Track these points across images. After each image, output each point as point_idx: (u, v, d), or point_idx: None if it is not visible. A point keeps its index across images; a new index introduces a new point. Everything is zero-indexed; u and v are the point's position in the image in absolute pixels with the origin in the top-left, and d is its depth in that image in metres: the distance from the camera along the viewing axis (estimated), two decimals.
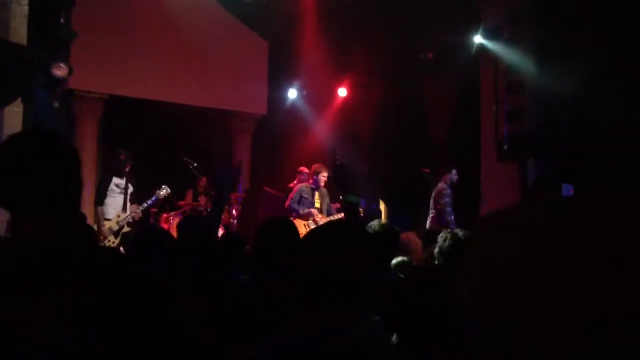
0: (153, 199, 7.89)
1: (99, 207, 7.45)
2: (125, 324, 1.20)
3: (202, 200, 9.96)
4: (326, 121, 12.21)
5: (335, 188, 7.89)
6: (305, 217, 7.97)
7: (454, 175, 8.59)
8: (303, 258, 1.71)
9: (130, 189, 7.71)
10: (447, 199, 8.43)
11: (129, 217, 7.48)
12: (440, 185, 8.56)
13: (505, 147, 8.71)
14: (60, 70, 6.74)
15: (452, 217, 8.36)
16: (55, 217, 1.31)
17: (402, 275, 3.35)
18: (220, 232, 8.92)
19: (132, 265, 1.34)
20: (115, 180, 7.63)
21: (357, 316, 1.64)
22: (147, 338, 1.22)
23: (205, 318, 2.48)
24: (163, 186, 8.02)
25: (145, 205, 7.78)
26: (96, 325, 1.16)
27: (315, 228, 1.89)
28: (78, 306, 1.17)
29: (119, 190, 7.63)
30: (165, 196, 8.10)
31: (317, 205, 8.13)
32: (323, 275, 1.61)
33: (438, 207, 8.52)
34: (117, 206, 7.58)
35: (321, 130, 12.05)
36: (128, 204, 7.62)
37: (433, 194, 8.62)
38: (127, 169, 7.70)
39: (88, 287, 1.19)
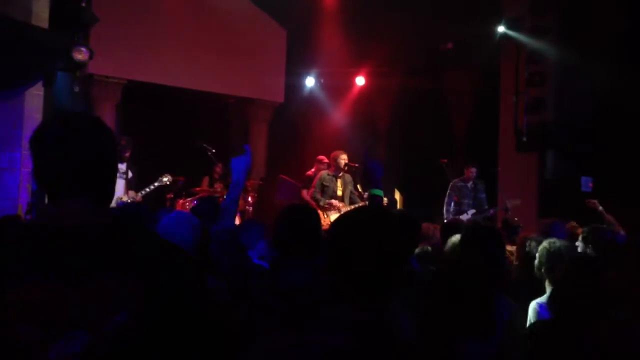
0: (155, 184, 7.92)
1: None
2: (164, 308, 1.19)
3: (219, 186, 9.98)
4: (343, 110, 12.17)
5: (362, 181, 7.83)
6: (327, 209, 7.90)
7: (471, 172, 8.55)
8: (330, 246, 1.70)
9: (130, 175, 7.75)
10: (451, 191, 8.47)
11: (127, 201, 7.51)
12: (455, 180, 8.59)
13: (524, 139, 8.66)
14: (80, 54, 6.76)
15: (453, 209, 8.37)
16: (94, 200, 1.31)
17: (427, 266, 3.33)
18: (237, 220, 8.96)
19: (171, 249, 1.33)
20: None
21: (386, 306, 1.63)
22: (186, 322, 1.22)
23: (227, 305, 2.48)
24: (166, 174, 8.05)
25: (144, 192, 7.81)
26: (134, 308, 1.16)
27: (342, 215, 1.86)
28: (116, 289, 1.16)
29: (118, 174, 7.68)
30: (167, 184, 8.13)
31: (340, 193, 8.05)
32: (351, 264, 1.60)
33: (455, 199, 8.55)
34: (116, 191, 7.62)
35: (338, 118, 12.01)
36: (126, 189, 7.70)
37: None
38: (127, 154, 7.74)
39: (126, 270, 1.19)
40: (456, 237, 2.88)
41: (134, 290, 1.17)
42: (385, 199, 8.05)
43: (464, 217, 8.14)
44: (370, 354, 1.39)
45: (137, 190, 7.81)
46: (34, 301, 1.14)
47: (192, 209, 4.88)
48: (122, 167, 7.70)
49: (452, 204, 8.44)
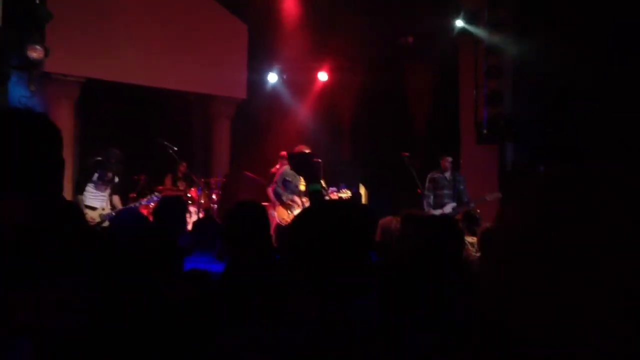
0: (144, 202, 7.79)
1: (78, 196, 7.33)
2: (111, 311, 1.17)
3: (182, 185, 9.89)
4: (306, 105, 12.17)
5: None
6: (289, 205, 7.90)
7: (446, 161, 8.60)
8: (290, 243, 1.70)
9: (116, 179, 7.63)
10: (428, 184, 8.55)
11: (112, 212, 7.37)
12: (432, 172, 8.65)
13: (485, 131, 8.79)
14: (35, 52, 6.62)
15: (430, 200, 8.45)
16: (38, 198, 1.27)
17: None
18: (201, 215, 8.89)
19: (119, 250, 1.31)
20: (99, 173, 7.54)
21: (349, 301, 1.63)
22: (133, 325, 1.20)
23: (190, 303, 2.46)
24: (156, 192, 8.03)
25: (137, 204, 7.69)
26: (80, 313, 1.13)
27: (301, 212, 1.86)
28: (62, 293, 1.14)
29: (103, 182, 7.57)
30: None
31: (302, 188, 8.04)
32: (310, 261, 1.60)
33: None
34: (98, 194, 7.50)
35: (301, 114, 12.01)
36: (109, 192, 7.58)
37: None
38: (112, 161, 7.60)
39: (72, 273, 1.16)
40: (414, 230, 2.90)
41: (78, 295, 1.14)
42: (347, 193, 8.12)
43: (447, 209, 8.23)
44: (332, 349, 1.40)
45: (121, 196, 7.71)
46: None
47: (154, 212, 4.81)
48: (108, 176, 7.57)
49: (431, 196, 8.51)
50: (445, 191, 8.53)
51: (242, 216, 2.49)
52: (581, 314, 0.50)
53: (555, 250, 0.52)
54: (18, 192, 1.25)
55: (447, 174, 8.57)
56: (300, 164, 2.57)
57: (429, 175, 8.60)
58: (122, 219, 2.92)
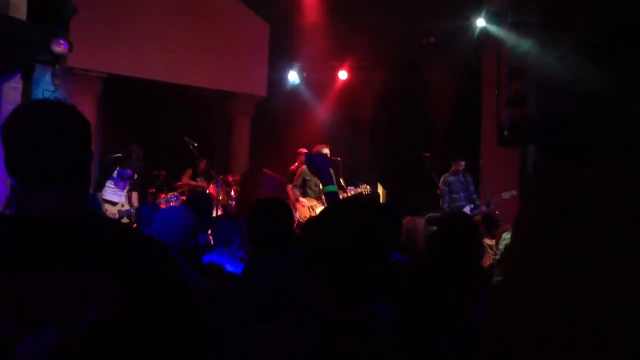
0: (165, 200, 7.84)
1: (98, 193, 7.41)
2: (139, 303, 1.17)
3: (201, 181, 9.94)
4: (326, 104, 12.16)
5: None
6: (310, 205, 7.94)
7: (459, 165, 8.62)
8: (306, 241, 1.70)
9: (135, 176, 7.71)
10: (445, 187, 8.55)
11: (131, 209, 7.43)
12: (445, 174, 8.67)
13: (506, 133, 8.71)
14: (59, 47, 6.67)
15: (449, 203, 8.45)
16: (68, 191, 1.27)
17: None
18: (219, 212, 8.92)
19: (148, 243, 1.30)
20: (120, 170, 7.62)
21: (363, 298, 1.62)
22: (161, 317, 1.20)
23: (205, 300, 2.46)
24: (173, 193, 8.14)
25: (157, 203, 7.76)
26: (109, 304, 1.13)
27: (321, 211, 1.86)
28: (90, 284, 1.14)
29: (123, 179, 7.67)
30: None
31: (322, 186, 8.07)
32: (325, 259, 1.60)
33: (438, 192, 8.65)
34: (117, 190, 7.59)
35: (321, 112, 12.00)
36: (128, 188, 7.66)
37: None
38: (133, 157, 7.67)
39: (101, 264, 1.16)
40: (434, 230, 2.87)
41: (107, 286, 1.14)
42: (367, 187, 8.13)
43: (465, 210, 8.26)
44: (342, 347, 1.39)
45: (139, 193, 7.82)
46: (0, 296, 1.11)
47: (185, 203, 4.85)
48: (128, 173, 7.65)
49: (447, 198, 8.54)
50: (460, 194, 8.55)
51: (267, 214, 2.47)
52: (581, 313, 0.50)
53: (556, 250, 0.52)
54: (50, 184, 1.25)
55: (459, 176, 8.58)
56: (316, 166, 2.55)
57: (442, 178, 8.60)
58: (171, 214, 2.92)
